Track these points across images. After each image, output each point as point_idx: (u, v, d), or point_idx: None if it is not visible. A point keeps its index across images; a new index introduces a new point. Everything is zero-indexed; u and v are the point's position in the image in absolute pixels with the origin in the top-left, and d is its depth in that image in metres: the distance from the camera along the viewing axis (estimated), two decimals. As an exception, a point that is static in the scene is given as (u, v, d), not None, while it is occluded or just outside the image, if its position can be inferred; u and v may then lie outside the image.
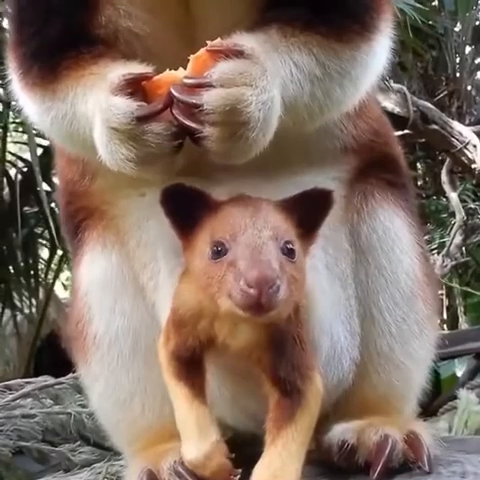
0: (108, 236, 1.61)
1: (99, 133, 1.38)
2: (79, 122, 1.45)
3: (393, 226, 1.62)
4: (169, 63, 1.37)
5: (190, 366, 1.42)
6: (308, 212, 1.40)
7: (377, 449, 1.45)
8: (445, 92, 6.40)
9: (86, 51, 1.46)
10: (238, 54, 1.33)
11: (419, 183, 6.67)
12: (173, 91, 1.31)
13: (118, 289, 1.59)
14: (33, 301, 4.93)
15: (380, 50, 1.54)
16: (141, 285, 1.60)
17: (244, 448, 1.47)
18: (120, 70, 1.38)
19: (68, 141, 1.55)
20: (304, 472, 1.38)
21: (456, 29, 6.54)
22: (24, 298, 4.94)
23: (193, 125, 1.30)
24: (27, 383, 2.20)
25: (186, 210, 1.38)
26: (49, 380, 2.21)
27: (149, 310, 1.59)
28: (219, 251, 1.31)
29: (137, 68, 1.38)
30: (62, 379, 2.13)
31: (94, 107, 1.39)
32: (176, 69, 1.36)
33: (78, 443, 1.96)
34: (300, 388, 1.37)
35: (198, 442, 1.39)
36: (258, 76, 1.32)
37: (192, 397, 1.41)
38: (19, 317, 5.06)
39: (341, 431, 1.50)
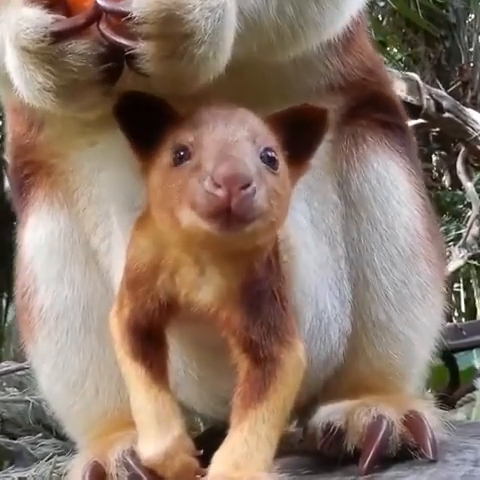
0: (56, 194, 1.35)
1: (10, 57, 1.08)
2: None
3: (388, 174, 1.35)
4: None
5: (148, 340, 1.14)
6: (297, 134, 1.10)
7: (368, 432, 1.17)
8: (459, 83, 6.11)
9: None
10: None
11: (434, 176, 6.39)
12: (98, 0, 1.00)
13: (67, 254, 1.34)
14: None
15: None
16: (93, 249, 1.34)
17: (215, 442, 1.17)
18: None
19: None
20: (283, 464, 1.11)
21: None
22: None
23: (122, 41, 1.00)
24: (-14, 370, 1.94)
25: (145, 125, 1.08)
26: (11, 365, 1.94)
27: (103, 278, 1.34)
28: (182, 156, 1.02)
29: None
30: (24, 364, 1.85)
31: (7, 26, 1.09)
32: None
33: (39, 435, 1.70)
34: (275, 356, 1.08)
35: (157, 437, 1.11)
36: None
37: (150, 381, 1.13)
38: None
39: (327, 413, 1.23)
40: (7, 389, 1.89)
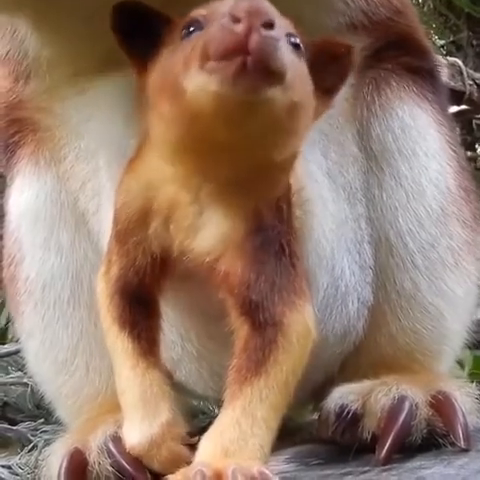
0: (42, 152, 1.20)
1: None
2: None
3: (415, 123, 1.16)
4: None
5: (138, 306, 0.97)
6: (321, 66, 0.92)
7: (388, 416, 0.98)
8: (503, 69, 5.87)
9: None
10: None
11: (478, 165, 6.15)
12: None
13: (54, 218, 1.19)
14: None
15: None
16: (82, 210, 1.19)
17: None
18: None
19: None
20: (291, 454, 0.98)
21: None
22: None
23: None
24: (-15, 352, 1.77)
25: (145, 38, 0.92)
26: (11, 347, 1.78)
27: (93, 244, 1.18)
28: (192, 31, 0.85)
29: None
30: (24, 345, 1.68)
31: None
32: None
33: (41, 421, 1.54)
34: (278, 319, 0.88)
35: (142, 422, 0.94)
36: None
37: (137, 355, 0.96)
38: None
39: (342, 394, 1.04)
40: (12, 372, 1.73)
